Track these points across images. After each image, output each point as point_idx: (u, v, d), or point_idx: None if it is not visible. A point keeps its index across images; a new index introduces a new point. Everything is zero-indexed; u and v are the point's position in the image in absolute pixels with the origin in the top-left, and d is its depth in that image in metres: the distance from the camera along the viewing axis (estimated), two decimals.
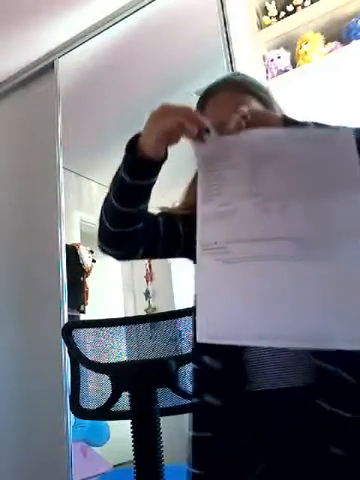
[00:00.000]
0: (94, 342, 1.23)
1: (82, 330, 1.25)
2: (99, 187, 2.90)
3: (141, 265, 2.95)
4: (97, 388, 1.22)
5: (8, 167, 2.70)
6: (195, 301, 0.77)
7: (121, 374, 1.12)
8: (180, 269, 2.71)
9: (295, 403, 0.74)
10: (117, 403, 1.14)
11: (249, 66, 1.88)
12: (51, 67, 2.57)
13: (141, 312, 2.82)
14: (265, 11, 2.06)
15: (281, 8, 2.02)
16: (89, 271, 2.68)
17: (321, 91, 1.74)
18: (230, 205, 0.67)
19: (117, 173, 0.79)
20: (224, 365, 0.79)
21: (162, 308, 2.72)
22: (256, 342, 0.66)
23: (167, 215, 0.91)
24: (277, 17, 2.02)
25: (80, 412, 1.24)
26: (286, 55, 1.95)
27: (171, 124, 0.70)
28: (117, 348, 1.22)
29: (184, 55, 2.29)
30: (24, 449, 2.22)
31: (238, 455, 0.76)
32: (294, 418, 0.74)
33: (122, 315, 2.74)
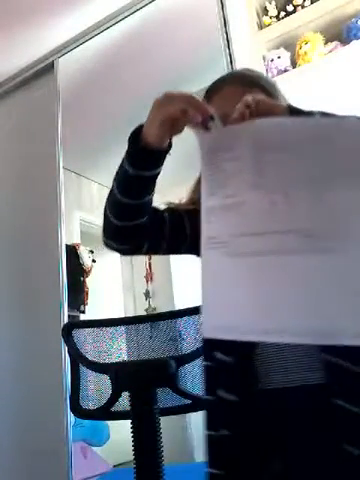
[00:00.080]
0: (94, 342, 1.23)
1: (82, 330, 1.25)
2: (99, 187, 2.90)
3: (141, 265, 2.95)
4: (97, 388, 1.22)
5: (8, 167, 2.70)
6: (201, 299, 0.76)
7: (121, 374, 1.12)
8: (180, 269, 2.71)
9: (309, 401, 0.74)
10: (117, 403, 1.14)
11: (249, 66, 1.87)
12: (51, 67, 2.57)
13: (141, 312, 2.82)
14: (265, 11, 2.05)
15: (281, 8, 2.02)
16: (89, 271, 2.68)
17: (321, 91, 1.74)
18: (235, 198, 0.65)
19: (121, 165, 0.78)
20: (236, 360, 0.78)
21: (162, 308, 2.72)
22: (262, 337, 0.64)
23: (173, 210, 0.90)
24: (277, 17, 2.01)
25: (80, 412, 1.24)
26: (286, 55, 1.95)
27: (174, 111, 0.69)
28: (117, 348, 1.22)
29: (184, 55, 2.29)
30: (24, 449, 2.22)
31: (254, 454, 0.76)
32: (309, 416, 0.73)
33: (122, 315, 2.74)
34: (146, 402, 1.06)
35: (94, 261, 2.71)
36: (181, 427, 2.32)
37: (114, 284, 2.95)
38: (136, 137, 0.75)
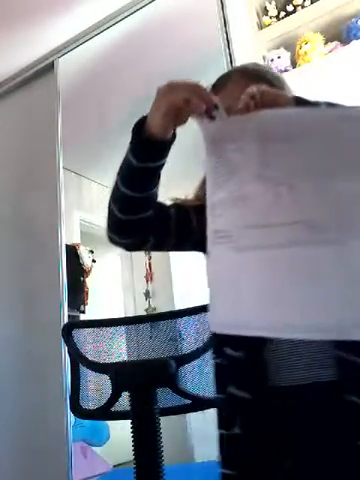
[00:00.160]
0: (94, 342, 1.23)
1: (82, 330, 1.25)
2: (99, 187, 2.90)
3: (141, 265, 2.94)
4: (97, 388, 1.22)
5: (8, 167, 2.70)
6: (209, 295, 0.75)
7: (121, 374, 1.12)
8: (180, 269, 2.70)
9: (322, 398, 0.73)
10: (117, 403, 1.14)
11: None
12: (51, 67, 2.57)
13: (141, 312, 2.82)
14: (265, 11, 2.06)
15: (281, 8, 2.02)
16: (89, 271, 2.68)
17: (321, 91, 1.74)
18: (240, 191, 0.64)
19: (125, 157, 0.77)
20: (247, 355, 0.77)
21: (162, 308, 2.72)
22: (270, 333, 0.63)
23: (179, 206, 0.89)
24: (277, 17, 2.02)
25: (80, 412, 1.24)
26: (286, 55, 1.95)
27: (178, 99, 0.68)
28: (117, 348, 1.22)
29: (184, 55, 2.29)
30: (24, 449, 2.22)
31: (266, 452, 0.75)
32: (321, 413, 0.73)
33: (122, 315, 2.74)
34: (146, 402, 1.06)
35: (94, 261, 2.71)
36: (181, 427, 2.32)
37: (114, 284, 2.94)
38: (140, 128, 0.74)
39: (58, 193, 2.39)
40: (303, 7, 1.95)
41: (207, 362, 1.15)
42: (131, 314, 2.78)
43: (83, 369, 1.23)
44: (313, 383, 0.74)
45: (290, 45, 1.96)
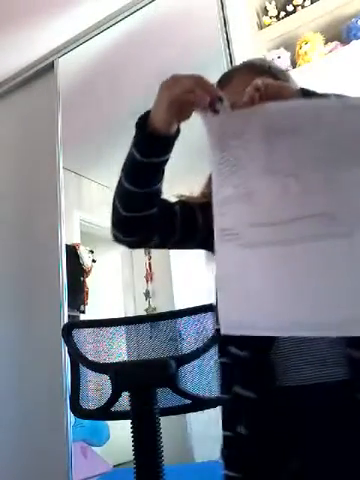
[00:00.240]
0: (94, 342, 1.23)
1: (82, 330, 1.25)
2: (99, 187, 2.90)
3: (141, 265, 2.94)
4: (97, 388, 1.22)
5: (8, 167, 2.70)
6: (216, 295, 0.74)
7: (121, 374, 1.12)
8: (180, 269, 2.70)
9: (331, 398, 0.71)
10: (117, 403, 1.14)
11: None
12: (51, 67, 2.57)
13: (141, 312, 2.82)
14: (265, 11, 2.05)
15: (281, 8, 2.02)
16: (89, 271, 2.68)
17: (321, 91, 1.74)
18: (247, 186, 0.63)
19: (128, 153, 0.77)
20: (252, 354, 0.75)
21: (162, 308, 2.72)
22: (283, 332, 0.62)
23: (184, 203, 0.88)
24: (277, 17, 2.02)
25: (80, 412, 1.24)
26: (286, 55, 1.95)
27: (182, 92, 0.67)
28: (117, 348, 1.22)
29: (184, 55, 2.29)
30: (24, 449, 2.22)
31: (272, 454, 0.73)
32: (330, 413, 0.71)
33: (122, 315, 2.74)
34: (146, 402, 1.06)
35: (94, 261, 2.71)
36: (181, 427, 2.32)
37: (114, 284, 2.94)
38: (143, 123, 0.73)
39: (58, 193, 2.39)
40: (303, 7, 1.95)
41: (207, 362, 1.15)
42: (131, 314, 2.78)
43: (83, 369, 1.23)
44: (322, 383, 0.72)
45: (290, 45, 1.96)
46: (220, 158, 0.65)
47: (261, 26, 2.06)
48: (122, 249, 2.86)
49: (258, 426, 0.75)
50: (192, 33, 2.21)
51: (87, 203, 2.86)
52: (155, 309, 2.82)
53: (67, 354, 1.46)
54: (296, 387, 0.73)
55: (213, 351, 1.11)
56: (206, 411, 1.14)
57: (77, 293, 2.52)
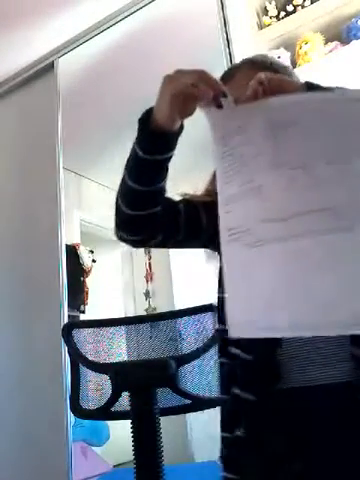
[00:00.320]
0: (94, 342, 1.23)
1: (82, 330, 1.25)
2: (99, 187, 2.90)
3: (141, 265, 2.94)
4: (97, 388, 1.22)
5: (8, 167, 2.70)
6: (219, 296, 0.72)
7: (121, 374, 1.12)
8: (180, 269, 2.71)
9: (337, 399, 0.70)
10: (117, 403, 1.14)
11: None
12: (51, 67, 2.57)
13: (141, 312, 2.82)
14: (265, 11, 2.05)
15: (281, 8, 2.02)
16: (89, 271, 2.68)
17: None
18: (252, 182, 0.61)
19: (131, 150, 0.75)
20: (255, 356, 0.74)
21: (162, 308, 2.72)
22: (296, 332, 0.59)
23: (188, 202, 0.87)
24: (277, 17, 2.02)
25: (80, 412, 1.24)
26: (286, 55, 1.95)
27: (185, 85, 0.66)
28: (117, 348, 1.22)
29: (184, 55, 2.29)
30: (24, 449, 2.22)
31: (270, 455, 0.72)
32: (336, 414, 0.70)
33: (122, 315, 2.74)
34: (146, 402, 1.06)
35: (94, 261, 2.71)
36: (181, 427, 2.32)
37: (114, 284, 2.95)
38: (146, 119, 0.72)
39: (58, 193, 2.39)
40: (303, 7, 1.95)
41: (207, 362, 1.15)
42: (131, 314, 2.78)
43: (83, 369, 1.23)
44: (327, 384, 0.71)
45: (290, 45, 1.96)
46: (223, 154, 0.64)
47: (261, 26, 2.06)
48: (122, 249, 2.87)
49: (256, 428, 0.73)
50: (192, 33, 2.21)
51: (87, 203, 2.86)
52: (155, 309, 2.82)
53: (67, 354, 1.46)
54: (300, 388, 0.72)
55: (213, 351, 1.11)
56: (206, 411, 1.14)
57: (77, 293, 2.52)
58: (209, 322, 1.15)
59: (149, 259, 2.92)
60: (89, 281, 2.67)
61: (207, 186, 0.90)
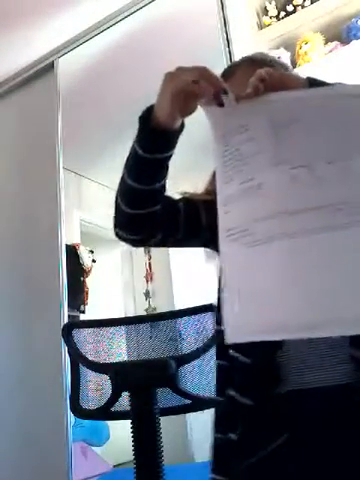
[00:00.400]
0: (94, 342, 1.23)
1: (82, 330, 1.25)
2: (99, 187, 2.90)
3: (141, 265, 2.95)
4: (97, 388, 1.22)
5: (8, 167, 2.70)
6: (219, 296, 0.71)
7: (121, 374, 1.12)
8: (180, 269, 2.71)
9: (332, 402, 0.69)
10: (117, 403, 1.14)
11: None
12: (51, 67, 2.57)
13: (141, 312, 2.82)
14: (265, 11, 2.05)
15: (281, 8, 2.02)
16: (89, 271, 2.68)
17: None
18: (253, 180, 0.60)
19: (131, 149, 0.75)
20: (254, 360, 0.72)
21: (162, 308, 2.72)
22: (302, 333, 0.57)
23: (188, 200, 0.87)
24: (277, 17, 2.01)
25: (80, 412, 1.24)
26: (286, 55, 1.95)
27: (186, 82, 0.65)
28: (117, 348, 1.22)
29: (184, 55, 2.28)
30: (24, 449, 2.22)
31: (266, 457, 0.70)
32: (334, 416, 0.69)
33: (122, 315, 2.74)
34: (146, 402, 1.06)
35: (94, 261, 2.71)
36: (181, 427, 2.32)
37: (114, 284, 2.95)
38: (147, 117, 0.72)
39: (58, 193, 2.39)
40: (303, 7, 1.95)
41: (207, 362, 1.15)
42: (131, 314, 2.78)
43: (83, 369, 1.23)
44: (327, 386, 0.70)
45: (290, 45, 1.96)
46: (225, 152, 0.63)
47: (261, 26, 2.06)
48: (122, 249, 2.87)
49: (251, 433, 0.72)
50: (192, 33, 2.21)
51: (87, 203, 2.86)
52: (155, 309, 2.82)
53: (67, 354, 1.46)
54: (298, 391, 0.71)
55: (213, 351, 1.11)
56: (206, 411, 1.14)
57: (77, 293, 2.52)
58: (209, 322, 1.15)
59: (149, 259, 2.92)
60: (89, 281, 2.67)
61: (207, 186, 0.90)
